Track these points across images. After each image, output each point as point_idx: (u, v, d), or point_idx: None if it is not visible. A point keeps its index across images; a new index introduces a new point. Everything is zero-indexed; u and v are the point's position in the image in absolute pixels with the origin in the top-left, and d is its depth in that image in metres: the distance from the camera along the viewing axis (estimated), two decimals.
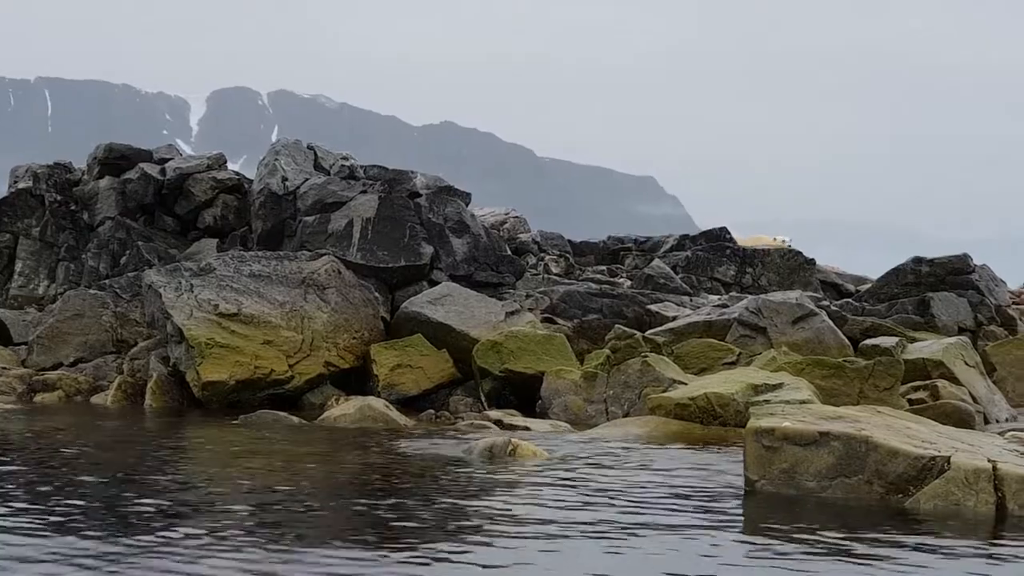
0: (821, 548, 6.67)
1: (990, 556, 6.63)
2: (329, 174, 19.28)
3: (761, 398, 11.65)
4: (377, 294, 16.61)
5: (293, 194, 18.84)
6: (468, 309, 16.17)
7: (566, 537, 6.78)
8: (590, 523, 7.22)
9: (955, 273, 23.33)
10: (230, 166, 21.47)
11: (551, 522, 7.17)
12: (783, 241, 29.12)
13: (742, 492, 8.45)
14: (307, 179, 18.95)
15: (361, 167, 19.55)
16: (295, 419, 12.90)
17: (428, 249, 17.85)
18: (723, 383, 12.47)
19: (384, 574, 5.80)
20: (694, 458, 10.36)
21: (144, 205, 20.31)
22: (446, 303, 16.21)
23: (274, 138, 25.94)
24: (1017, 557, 6.61)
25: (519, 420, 12.86)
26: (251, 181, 20.23)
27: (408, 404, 14.61)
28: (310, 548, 6.26)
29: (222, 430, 12.26)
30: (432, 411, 14.22)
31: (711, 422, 11.81)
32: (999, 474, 7.86)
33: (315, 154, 19.92)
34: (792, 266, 24.92)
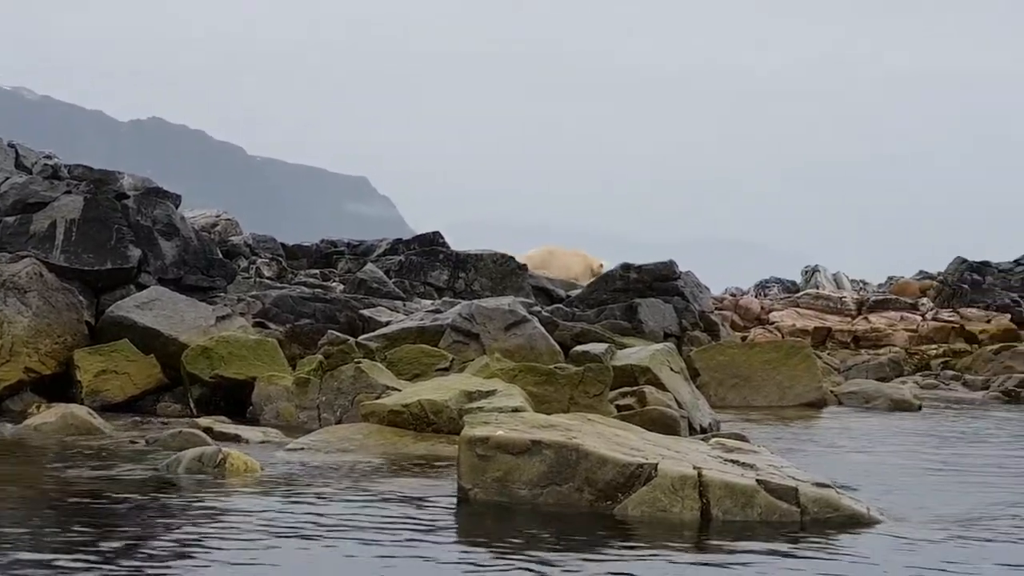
0: (530, 556, 6.73)
1: (693, 560, 6.80)
2: (31, 173, 18.55)
3: (474, 405, 11.72)
4: (82, 298, 16.03)
5: None
6: (177, 313, 15.79)
7: (270, 556, 6.68)
8: (301, 538, 7.12)
9: (661, 279, 24.03)
10: None
11: (258, 541, 7.05)
12: (600, 265, 29.54)
13: (455, 501, 8.46)
14: (7, 178, 18.16)
15: (66, 166, 18.88)
16: None
17: (136, 252, 17.34)
18: (436, 390, 12.49)
19: None
20: (407, 466, 10.35)
21: None
22: (154, 307, 15.79)
23: None
24: (719, 562, 6.79)
25: (230, 428, 12.58)
26: None
27: (114, 411, 14.16)
28: None
29: None
30: (139, 418, 13.84)
31: (425, 429, 11.79)
32: (704, 481, 8.08)
33: (16, 152, 19.14)
34: (504, 272, 25.18)
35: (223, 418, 13.40)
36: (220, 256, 19.82)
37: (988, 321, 31.24)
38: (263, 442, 11.76)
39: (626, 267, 24.81)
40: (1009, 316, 31.76)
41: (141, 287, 16.90)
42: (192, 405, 14.55)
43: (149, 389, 14.95)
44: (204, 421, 12.82)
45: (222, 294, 18.48)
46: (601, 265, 29.42)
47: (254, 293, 19.32)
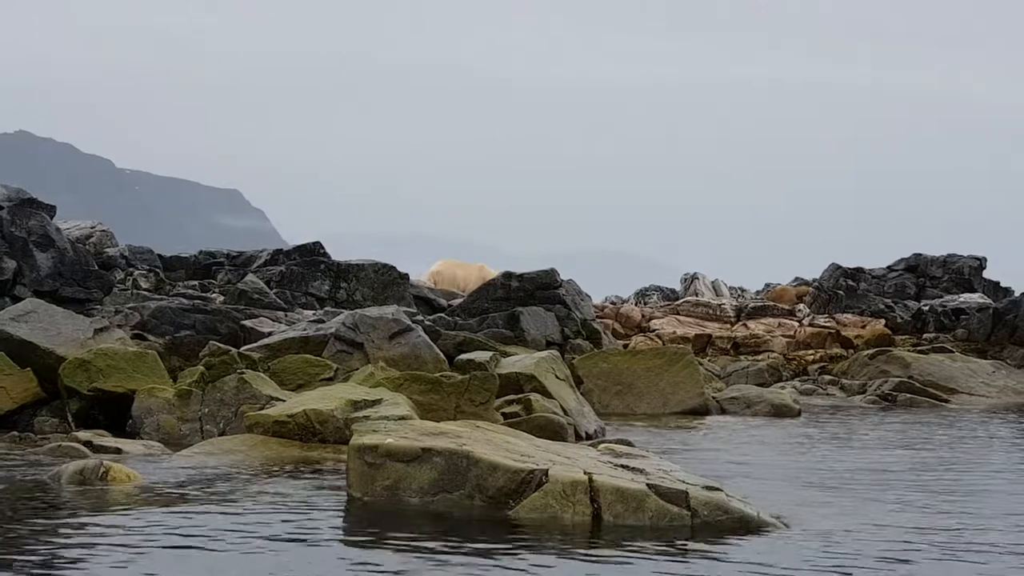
0: (420, 563, 6.68)
1: (585, 563, 6.80)
2: None
3: (361, 414, 11.63)
4: None
5: None
6: (54, 326, 15.47)
7: (154, 565, 6.57)
8: (183, 549, 7.02)
9: (543, 288, 24.11)
10: None
11: (142, 550, 6.92)
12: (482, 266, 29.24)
13: (344, 510, 8.38)
14: None
15: None
16: None
17: (11, 264, 17.02)
18: (322, 399, 12.38)
19: None
20: (294, 477, 10.23)
21: None
22: (30, 320, 15.46)
23: None
24: (611, 563, 6.81)
25: (110, 441, 12.35)
26: None
27: None
28: None
29: None
30: (16, 433, 13.53)
31: (311, 439, 11.68)
32: (595, 486, 8.10)
33: None
34: (386, 281, 25.13)
35: (103, 432, 13.12)
36: (96, 268, 19.51)
37: (863, 326, 31.70)
38: (145, 455, 11.56)
39: (507, 275, 24.85)
40: (883, 321, 32.26)
41: (16, 299, 16.58)
42: (71, 419, 14.24)
43: (26, 403, 14.60)
44: (83, 435, 12.57)
45: (99, 306, 18.19)
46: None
47: (132, 305, 19.04)
